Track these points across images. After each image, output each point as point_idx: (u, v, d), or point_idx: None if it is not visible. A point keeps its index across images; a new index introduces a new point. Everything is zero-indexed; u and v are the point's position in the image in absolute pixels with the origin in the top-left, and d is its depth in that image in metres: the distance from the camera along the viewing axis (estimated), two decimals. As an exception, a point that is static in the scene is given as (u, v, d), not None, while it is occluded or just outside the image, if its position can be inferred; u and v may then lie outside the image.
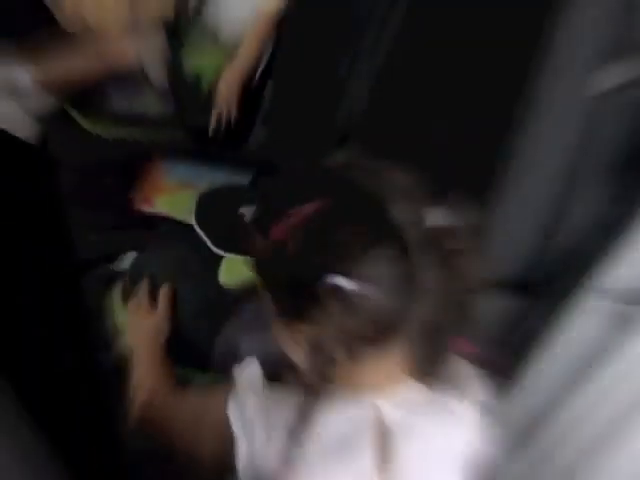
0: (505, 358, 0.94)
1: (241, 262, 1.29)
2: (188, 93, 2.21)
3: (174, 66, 2.21)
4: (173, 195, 1.66)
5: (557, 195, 1.28)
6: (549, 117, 1.21)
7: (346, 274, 0.75)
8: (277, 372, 0.94)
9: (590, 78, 1.17)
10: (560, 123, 1.23)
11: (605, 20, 1.16)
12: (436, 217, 0.81)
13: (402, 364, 0.86)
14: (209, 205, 1.43)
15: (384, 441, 0.84)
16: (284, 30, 2.11)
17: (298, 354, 0.86)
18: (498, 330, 1.34)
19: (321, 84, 1.92)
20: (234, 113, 2.22)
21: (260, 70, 2.24)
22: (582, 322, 1.29)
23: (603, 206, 1.26)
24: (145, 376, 1.13)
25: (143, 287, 1.33)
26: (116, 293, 1.40)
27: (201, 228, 1.36)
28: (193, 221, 1.38)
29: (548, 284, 1.29)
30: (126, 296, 1.37)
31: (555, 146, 1.25)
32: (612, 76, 1.16)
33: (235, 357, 1.26)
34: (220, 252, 1.31)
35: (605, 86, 1.16)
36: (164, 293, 1.30)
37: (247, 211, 1.40)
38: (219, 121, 2.20)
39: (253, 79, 2.24)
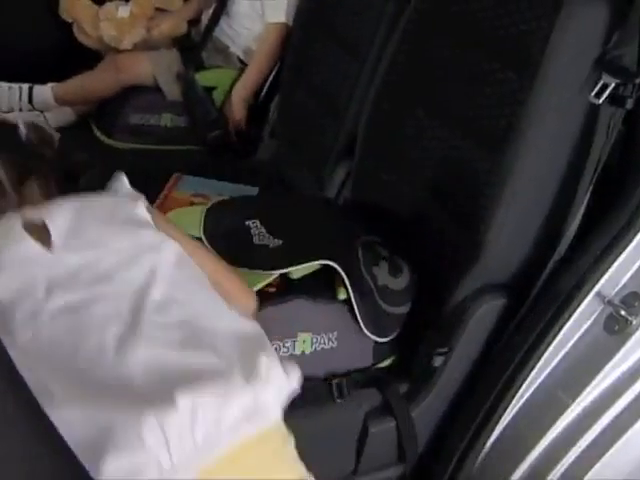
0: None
1: (246, 275, 1.34)
2: (200, 107, 2.28)
3: (187, 82, 2.27)
4: (184, 209, 1.70)
5: (556, 202, 1.30)
6: (546, 128, 1.23)
7: None
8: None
9: (585, 90, 1.19)
10: (557, 134, 1.25)
11: (598, 36, 1.21)
12: None
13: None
14: (216, 219, 1.49)
15: None
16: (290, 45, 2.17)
17: None
18: (496, 333, 1.38)
19: (325, 98, 1.98)
20: (244, 125, 2.29)
21: (268, 83, 2.30)
22: (580, 326, 1.31)
23: (600, 212, 1.30)
24: None
25: None
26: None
27: (209, 242, 1.41)
28: (201, 234, 1.43)
29: (546, 288, 1.32)
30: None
31: (552, 156, 1.27)
32: (605, 89, 1.20)
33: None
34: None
35: (599, 98, 1.20)
36: None
37: (253, 223, 1.45)
38: (229, 134, 2.26)
39: (261, 92, 2.30)
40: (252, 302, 1.21)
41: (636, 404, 1.31)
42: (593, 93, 1.19)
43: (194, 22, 2.47)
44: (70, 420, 0.85)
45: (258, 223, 1.43)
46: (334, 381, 1.36)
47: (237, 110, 2.27)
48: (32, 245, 1.03)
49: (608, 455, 1.32)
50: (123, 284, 1.03)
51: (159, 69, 2.31)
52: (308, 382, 1.33)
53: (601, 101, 1.18)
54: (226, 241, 1.39)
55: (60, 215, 1.07)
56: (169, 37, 2.42)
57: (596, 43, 1.19)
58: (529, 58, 1.24)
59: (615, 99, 1.19)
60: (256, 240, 1.39)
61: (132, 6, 2.36)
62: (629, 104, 1.18)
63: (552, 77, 1.21)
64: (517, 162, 1.26)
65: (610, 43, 1.18)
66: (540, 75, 1.21)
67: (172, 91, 2.29)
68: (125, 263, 1.05)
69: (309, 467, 1.40)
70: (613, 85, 1.17)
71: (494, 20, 1.34)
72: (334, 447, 1.41)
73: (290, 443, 1.05)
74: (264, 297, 1.31)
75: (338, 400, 1.35)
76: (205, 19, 2.38)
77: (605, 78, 1.17)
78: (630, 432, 1.30)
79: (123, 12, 2.32)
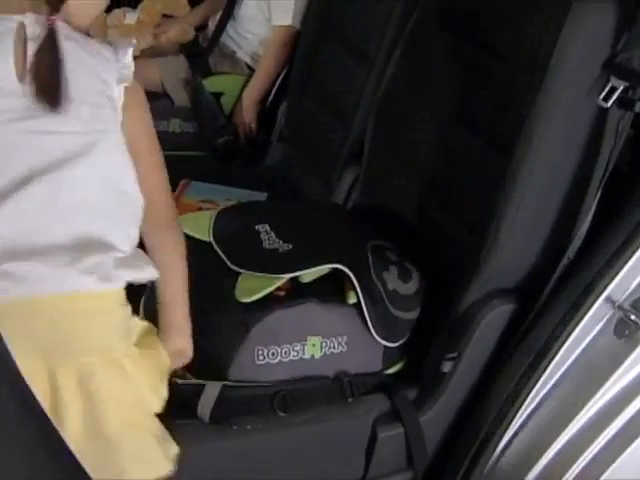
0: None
1: (256, 278, 1.35)
2: (208, 113, 2.28)
3: (195, 87, 2.28)
4: (193, 214, 1.70)
5: (564, 206, 1.30)
6: (554, 131, 1.23)
7: None
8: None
9: (593, 93, 1.19)
10: (565, 136, 1.25)
11: (606, 39, 1.19)
12: None
13: None
14: (225, 223, 1.48)
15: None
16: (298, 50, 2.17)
17: None
18: (505, 338, 1.37)
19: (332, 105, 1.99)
20: (254, 130, 2.30)
21: (275, 88, 2.31)
22: (590, 330, 1.30)
23: (609, 216, 1.30)
24: None
25: None
26: (141, 307, 1.46)
27: (218, 246, 1.42)
28: (211, 238, 1.44)
29: (556, 292, 1.31)
30: (147, 311, 1.43)
31: (561, 159, 1.27)
32: (613, 92, 1.18)
33: (253, 370, 1.33)
34: (236, 269, 1.37)
35: (607, 102, 1.18)
36: None
37: (262, 228, 1.45)
38: (238, 139, 2.27)
39: (269, 97, 2.32)
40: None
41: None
42: (601, 96, 1.18)
43: (201, 28, 2.48)
44: None
45: (268, 228, 1.43)
46: (345, 379, 1.35)
47: (248, 113, 2.28)
48: (9, 69, 1.00)
49: (619, 461, 1.31)
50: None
51: (167, 75, 2.32)
52: (318, 382, 1.35)
53: (609, 104, 1.18)
54: (235, 245, 1.39)
55: None
56: (176, 43, 2.44)
57: (604, 46, 1.18)
58: (537, 60, 1.24)
59: (623, 102, 1.18)
60: (266, 244, 1.40)
61: (139, 13, 2.38)
62: (637, 107, 1.17)
63: (560, 80, 1.20)
64: (526, 165, 1.25)
65: (618, 46, 1.17)
66: (548, 77, 1.20)
67: (180, 97, 2.31)
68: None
69: (319, 471, 1.41)
70: (621, 88, 1.16)
71: (503, 22, 1.34)
72: (344, 452, 1.41)
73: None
74: (274, 300, 1.31)
75: (350, 399, 1.35)
76: (212, 25, 2.39)
77: (613, 81, 1.17)
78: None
79: (130, 19, 2.33)
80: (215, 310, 1.34)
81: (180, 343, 1.21)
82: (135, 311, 1.22)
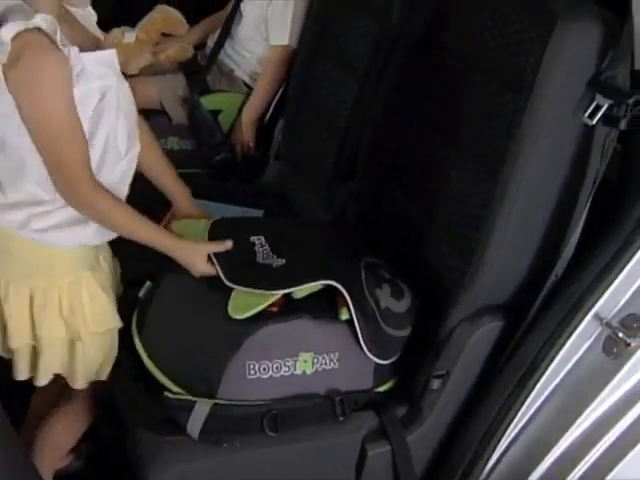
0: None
1: (249, 294, 1.35)
2: (206, 131, 2.30)
3: (193, 105, 2.30)
4: (187, 220, 1.69)
5: (552, 223, 1.30)
6: (541, 149, 1.24)
7: None
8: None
9: (579, 111, 1.19)
10: (552, 154, 1.25)
11: (591, 57, 1.19)
12: None
13: None
14: (221, 232, 1.46)
15: None
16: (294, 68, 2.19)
17: None
18: (493, 355, 1.37)
19: (328, 122, 2.01)
20: (252, 148, 2.31)
21: (273, 106, 2.32)
22: (578, 348, 1.30)
23: (599, 230, 1.29)
24: None
25: None
26: (133, 319, 1.46)
27: (214, 257, 1.40)
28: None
29: (544, 309, 1.31)
30: (139, 324, 1.43)
31: (548, 177, 1.27)
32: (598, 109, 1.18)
33: (244, 384, 1.34)
34: (230, 284, 1.37)
35: (592, 119, 1.18)
36: None
37: (258, 240, 1.45)
38: (235, 156, 2.28)
39: (266, 115, 2.33)
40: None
41: (635, 428, 1.30)
42: (587, 114, 1.19)
43: (200, 46, 2.50)
44: None
45: (263, 240, 1.44)
46: (337, 398, 1.35)
47: (246, 131, 2.30)
48: None
49: (609, 478, 1.31)
50: None
51: (165, 93, 2.33)
52: (309, 401, 1.35)
53: (595, 122, 1.18)
54: (230, 257, 1.39)
55: None
56: (175, 62, 2.45)
57: (589, 64, 1.19)
58: (524, 80, 1.24)
59: (609, 119, 1.18)
60: (259, 259, 1.40)
61: (138, 31, 2.40)
62: (623, 124, 1.18)
63: (546, 98, 1.21)
64: (513, 183, 1.26)
65: (603, 64, 1.18)
66: (534, 96, 1.21)
67: (178, 115, 2.32)
68: None
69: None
70: (606, 106, 1.17)
71: (489, 42, 1.35)
72: (333, 469, 1.41)
73: None
74: (266, 316, 1.32)
75: (341, 418, 1.35)
76: (211, 43, 2.41)
77: (598, 99, 1.17)
78: (628, 457, 1.29)
79: (129, 37, 2.35)
80: (207, 323, 1.34)
81: (177, 258, 1.40)
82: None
